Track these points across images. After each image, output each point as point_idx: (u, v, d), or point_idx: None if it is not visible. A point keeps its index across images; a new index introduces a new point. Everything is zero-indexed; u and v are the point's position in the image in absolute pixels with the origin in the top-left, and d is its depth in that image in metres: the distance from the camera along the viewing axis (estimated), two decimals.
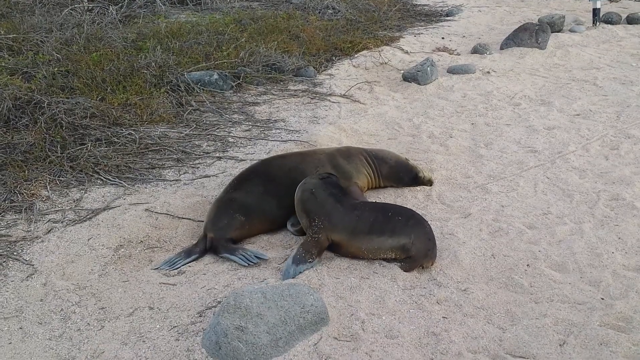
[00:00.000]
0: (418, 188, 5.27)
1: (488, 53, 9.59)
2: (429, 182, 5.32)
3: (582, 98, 7.59)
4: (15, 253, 4.33)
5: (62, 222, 4.74)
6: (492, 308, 3.74)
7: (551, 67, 9.01)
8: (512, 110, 7.22)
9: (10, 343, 3.52)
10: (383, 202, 4.92)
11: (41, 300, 3.88)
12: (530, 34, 9.82)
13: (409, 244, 4.08)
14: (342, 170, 4.95)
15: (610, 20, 11.42)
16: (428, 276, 4.04)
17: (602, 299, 3.79)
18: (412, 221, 4.19)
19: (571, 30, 10.88)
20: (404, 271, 4.06)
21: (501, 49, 9.92)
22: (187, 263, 4.28)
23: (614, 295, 3.83)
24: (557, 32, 10.69)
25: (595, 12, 11.26)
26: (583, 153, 5.97)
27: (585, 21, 11.38)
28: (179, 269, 4.21)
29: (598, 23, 11.26)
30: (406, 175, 5.29)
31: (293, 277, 3.98)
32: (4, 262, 4.23)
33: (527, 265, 4.16)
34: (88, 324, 3.67)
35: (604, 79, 8.32)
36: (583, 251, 4.31)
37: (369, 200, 4.80)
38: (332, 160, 5.01)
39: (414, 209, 4.93)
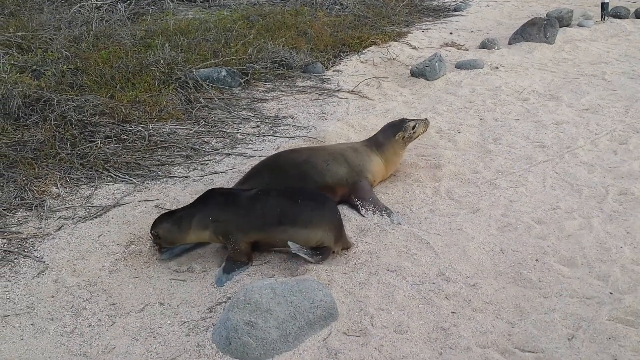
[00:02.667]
0: (427, 184, 5.28)
1: (496, 48, 9.55)
2: (422, 123, 5.43)
3: (590, 93, 7.55)
4: (26, 250, 4.37)
5: (72, 219, 4.78)
6: (500, 303, 3.75)
7: (560, 61, 8.97)
8: (521, 105, 7.20)
9: (22, 339, 3.56)
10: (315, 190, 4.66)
11: (52, 296, 3.92)
12: (538, 29, 9.77)
13: (324, 236, 4.14)
14: (353, 164, 4.97)
15: (618, 14, 11.34)
16: (437, 271, 4.06)
17: (611, 293, 3.79)
18: (319, 211, 4.17)
19: (579, 25, 10.82)
20: (319, 263, 4.09)
21: (509, 43, 9.88)
22: (187, 249, 4.36)
23: (623, 289, 3.83)
24: (566, 26, 10.62)
25: (604, 6, 11.18)
26: (592, 148, 5.95)
27: (594, 15, 11.30)
28: (189, 266, 4.23)
29: (606, 17, 11.19)
30: (395, 124, 5.40)
31: (225, 284, 3.98)
32: (15, 259, 4.27)
33: (536, 260, 4.17)
34: (99, 319, 3.71)
35: (613, 74, 8.28)
36: (592, 246, 4.31)
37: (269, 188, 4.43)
38: (343, 154, 5.02)
39: (422, 204, 4.95)
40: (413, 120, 5.42)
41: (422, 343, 3.42)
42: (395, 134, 5.29)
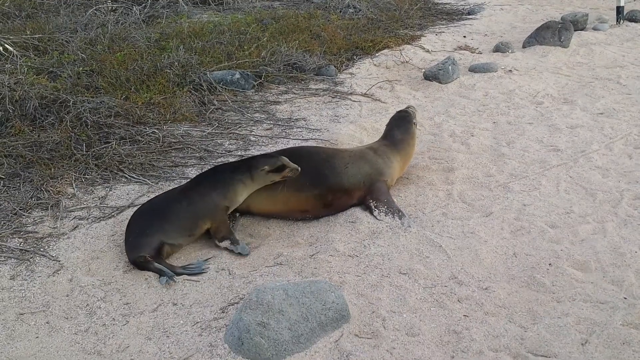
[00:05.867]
0: (439, 187, 5.27)
1: (510, 51, 9.53)
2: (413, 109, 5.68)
3: (605, 97, 7.51)
4: (42, 249, 4.42)
5: (87, 219, 4.82)
6: (513, 307, 3.74)
7: (574, 65, 8.93)
8: (535, 109, 7.17)
9: (37, 337, 3.59)
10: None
11: (67, 295, 3.96)
12: (553, 32, 9.74)
13: None
14: (372, 167, 4.97)
15: (634, 18, 11.27)
16: (449, 274, 4.05)
17: (625, 298, 3.77)
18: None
19: (594, 29, 10.76)
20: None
21: (523, 47, 9.86)
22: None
23: (637, 294, 3.80)
24: (580, 30, 10.58)
25: (619, 10, 11.12)
26: (606, 152, 5.92)
27: (609, 19, 11.25)
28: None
29: (622, 21, 11.13)
30: (404, 116, 5.51)
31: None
32: (31, 258, 4.32)
33: (549, 264, 4.15)
34: (113, 319, 3.74)
35: (628, 78, 8.23)
36: (606, 250, 4.28)
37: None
38: (363, 156, 5.02)
39: (434, 207, 4.94)
40: (405, 108, 5.67)
41: (434, 346, 3.42)
42: (412, 123, 5.41)
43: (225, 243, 4.40)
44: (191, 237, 4.44)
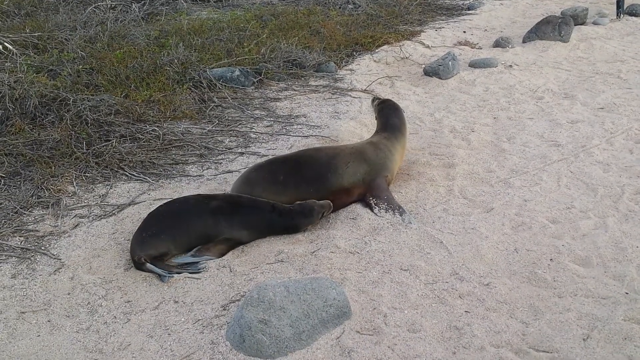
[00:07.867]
0: (440, 183, 5.26)
1: (510, 46, 9.51)
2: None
3: (606, 91, 7.50)
4: (43, 248, 4.42)
5: (88, 217, 4.82)
6: (515, 302, 3.74)
7: (574, 60, 8.91)
8: (535, 104, 7.16)
9: (39, 336, 3.60)
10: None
11: (68, 293, 3.96)
12: (553, 27, 9.71)
13: None
14: (372, 164, 4.96)
15: (634, 12, 11.24)
16: (450, 270, 4.05)
17: (627, 293, 3.77)
18: None
19: (594, 23, 10.74)
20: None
21: (523, 42, 9.83)
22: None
23: (639, 289, 3.80)
24: (581, 24, 10.56)
25: (619, 4, 11.09)
26: (607, 147, 5.91)
27: (609, 13, 11.22)
28: (203, 264, 4.25)
29: (622, 15, 11.10)
30: (392, 104, 5.68)
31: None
32: (32, 256, 4.32)
33: (551, 259, 4.15)
34: (114, 317, 3.74)
35: (629, 72, 8.22)
36: (607, 245, 4.28)
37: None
38: (363, 153, 5.01)
39: (435, 203, 4.94)
40: (383, 98, 5.98)
41: (436, 342, 3.42)
42: (402, 110, 5.57)
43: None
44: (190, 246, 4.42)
